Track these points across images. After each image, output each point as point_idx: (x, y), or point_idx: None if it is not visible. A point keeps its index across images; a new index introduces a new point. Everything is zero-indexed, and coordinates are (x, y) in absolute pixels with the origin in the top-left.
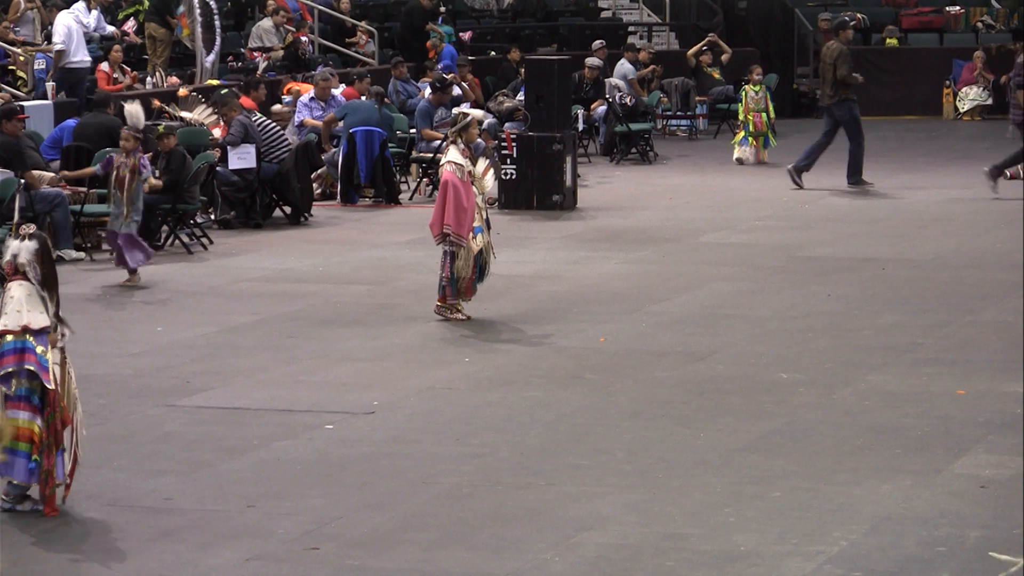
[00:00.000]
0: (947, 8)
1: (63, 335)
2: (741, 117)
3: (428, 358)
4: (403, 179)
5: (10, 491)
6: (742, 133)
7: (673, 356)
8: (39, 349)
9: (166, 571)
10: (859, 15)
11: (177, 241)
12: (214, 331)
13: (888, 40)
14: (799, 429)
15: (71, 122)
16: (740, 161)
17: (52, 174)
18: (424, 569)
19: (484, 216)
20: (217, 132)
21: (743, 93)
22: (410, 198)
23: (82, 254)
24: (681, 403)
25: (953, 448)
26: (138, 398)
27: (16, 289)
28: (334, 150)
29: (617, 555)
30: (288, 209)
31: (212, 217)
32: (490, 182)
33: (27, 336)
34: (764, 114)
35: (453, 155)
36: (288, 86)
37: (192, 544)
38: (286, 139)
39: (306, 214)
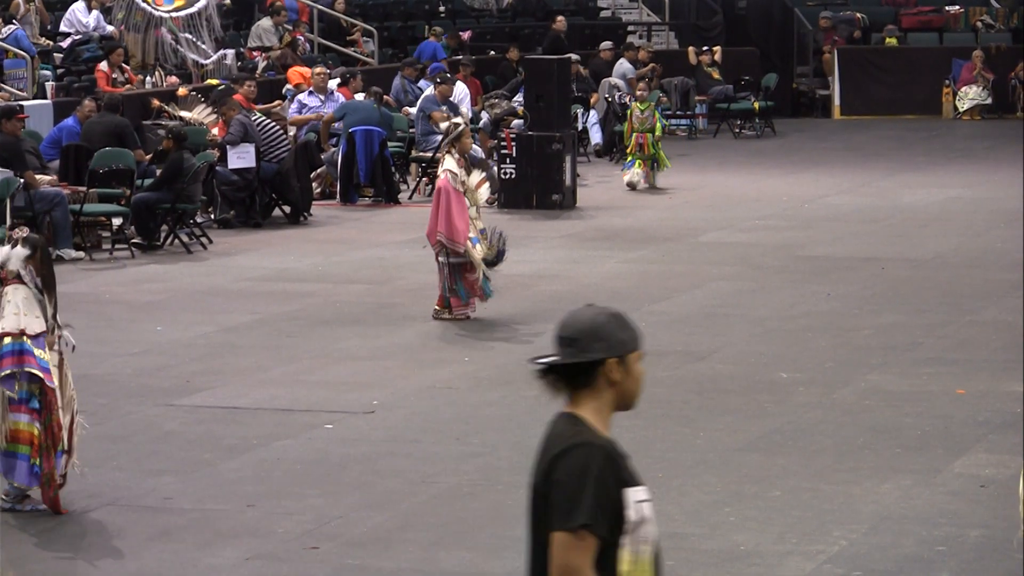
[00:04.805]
0: (947, 8)
1: (60, 337)
2: (627, 139)
3: (428, 358)
4: (402, 179)
5: (11, 491)
6: (629, 156)
7: (673, 355)
8: (37, 351)
9: (166, 571)
10: (859, 15)
11: (177, 240)
12: (214, 331)
13: (888, 40)
14: (799, 429)
15: (69, 121)
16: (631, 186)
17: (49, 177)
18: (424, 569)
19: (479, 227)
20: (216, 131)
21: (628, 112)
22: (409, 197)
23: (82, 254)
24: (681, 402)
25: (953, 448)
26: (138, 398)
27: (13, 293)
28: (333, 150)
29: None
30: (288, 208)
31: (212, 216)
32: (483, 195)
33: (25, 338)
34: (650, 134)
35: (449, 164)
36: (290, 72)
37: (192, 544)
38: (286, 139)
39: (306, 213)
